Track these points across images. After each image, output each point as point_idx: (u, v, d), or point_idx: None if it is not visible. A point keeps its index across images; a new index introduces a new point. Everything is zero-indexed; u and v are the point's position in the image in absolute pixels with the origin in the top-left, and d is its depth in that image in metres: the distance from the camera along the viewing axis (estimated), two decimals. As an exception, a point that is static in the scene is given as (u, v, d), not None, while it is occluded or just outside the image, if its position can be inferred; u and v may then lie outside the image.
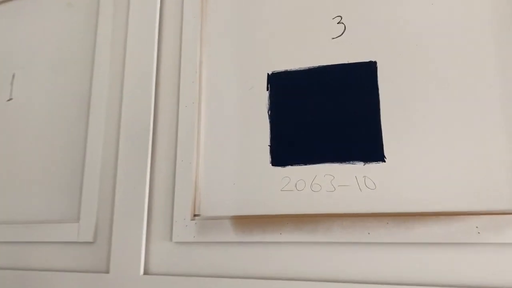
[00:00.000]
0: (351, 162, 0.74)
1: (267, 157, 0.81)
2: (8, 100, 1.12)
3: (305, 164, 0.78)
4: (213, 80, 0.89)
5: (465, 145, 0.68)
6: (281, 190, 0.78)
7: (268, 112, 0.83)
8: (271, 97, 0.83)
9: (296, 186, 0.78)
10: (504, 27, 0.70)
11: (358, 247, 0.70)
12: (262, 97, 0.84)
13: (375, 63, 0.77)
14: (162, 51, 0.95)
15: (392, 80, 0.75)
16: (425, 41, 0.75)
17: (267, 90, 0.84)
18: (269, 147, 0.81)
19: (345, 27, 0.80)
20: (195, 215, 0.83)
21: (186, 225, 0.82)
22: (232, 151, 0.84)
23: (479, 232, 0.63)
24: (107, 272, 0.87)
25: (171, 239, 0.83)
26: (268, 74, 0.85)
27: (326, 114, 0.78)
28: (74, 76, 1.04)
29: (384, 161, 0.72)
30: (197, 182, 0.85)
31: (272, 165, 0.80)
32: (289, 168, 0.79)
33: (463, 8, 0.74)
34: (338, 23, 0.81)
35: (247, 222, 0.78)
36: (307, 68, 0.82)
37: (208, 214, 0.82)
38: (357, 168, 0.74)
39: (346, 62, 0.79)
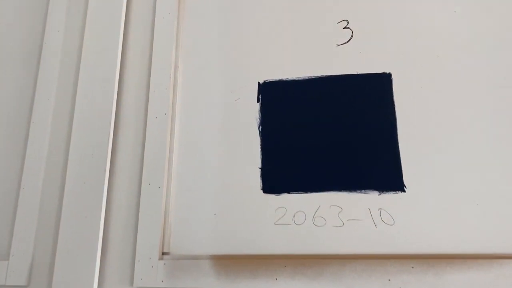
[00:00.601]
0: (363, 191, 0.62)
1: (258, 183, 0.66)
2: None
3: (305, 192, 0.64)
4: (191, 87, 0.74)
5: (504, 173, 0.58)
6: (275, 224, 0.64)
7: (259, 128, 0.69)
8: (262, 110, 0.70)
9: (294, 219, 0.63)
10: (534, 42, 0.62)
11: (377, 297, 0.57)
12: (251, 110, 0.70)
13: (389, 75, 0.66)
14: (128, 51, 0.79)
15: (410, 95, 0.64)
16: (447, 52, 0.65)
17: (258, 102, 0.70)
18: (260, 169, 0.67)
19: (352, 32, 0.69)
20: (163, 253, 0.66)
21: (152, 266, 0.65)
22: (213, 174, 0.69)
23: (526, 281, 0.52)
24: (43, 326, 0.67)
25: (131, 283, 0.65)
26: (259, 83, 0.71)
27: (330, 132, 0.65)
28: (14, 81, 0.85)
29: (404, 191, 0.60)
30: (168, 212, 0.68)
31: (264, 192, 0.66)
32: (285, 196, 0.65)
33: (488, 17, 0.65)
34: (344, 28, 0.70)
35: (231, 264, 0.62)
36: (307, 78, 0.69)
37: (181, 252, 0.66)
38: (370, 199, 0.61)
39: (354, 73, 0.67)
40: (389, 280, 0.56)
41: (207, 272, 0.62)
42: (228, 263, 0.62)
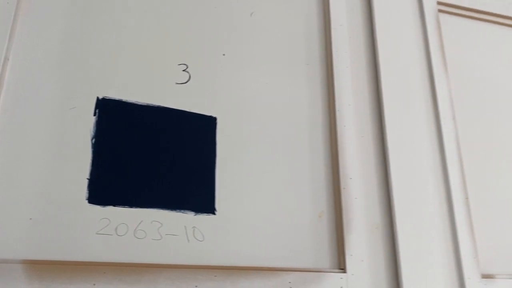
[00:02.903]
0: (182, 210, 0.72)
1: (84, 192, 0.68)
2: None
3: (131, 206, 0.70)
4: (21, 84, 0.71)
5: (283, 206, 0.78)
6: (97, 233, 0.67)
7: (92, 141, 0.72)
8: (98, 124, 0.73)
9: (116, 230, 0.68)
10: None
11: (186, 300, 0.66)
12: (86, 122, 0.72)
13: (215, 118, 0.80)
14: None
15: (230, 137, 0.79)
16: (260, 102, 0.83)
17: (94, 115, 0.73)
18: (87, 180, 0.69)
19: (190, 76, 0.81)
20: (-39, 256, 0.60)
21: None
22: (33, 176, 0.67)
23: (291, 287, 0.71)
24: None
25: None
26: (98, 98, 0.74)
27: (160, 157, 0.74)
28: None
29: (215, 214, 0.73)
30: (-28, 211, 0.62)
31: (89, 202, 0.68)
32: (110, 208, 0.69)
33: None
34: (183, 70, 0.81)
35: (46, 269, 0.62)
36: (146, 104, 0.77)
37: (-15, 255, 0.61)
38: (187, 218, 0.72)
39: (187, 110, 0.78)
40: (196, 286, 0.67)
41: (19, 276, 0.60)
42: (42, 268, 0.62)
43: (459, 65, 1.02)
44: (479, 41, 1.07)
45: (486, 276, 0.82)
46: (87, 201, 0.68)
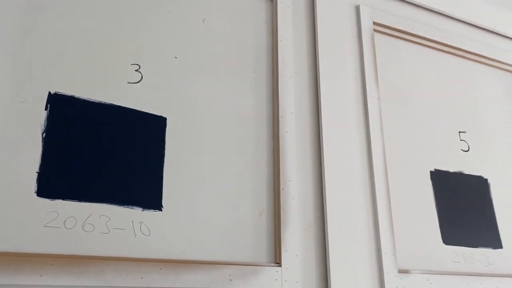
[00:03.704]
0: (130, 206, 0.75)
1: (33, 185, 0.70)
2: None
3: (80, 200, 0.72)
4: (-31, 75, 0.71)
5: (227, 205, 0.83)
6: (45, 226, 0.68)
7: (42, 135, 0.73)
8: (49, 119, 0.74)
9: (65, 223, 0.70)
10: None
11: (131, 291, 0.70)
12: (37, 116, 0.73)
13: (165, 118, 0.83)
14: None
15: (178, 137, 0.83)
16: (208, 105, 0.88)
17: (46, 109, 0.74)
18: (37, 173, 0.70)
19: (142, 76, 0.84)
20: None
21: None
22: (-19, 169, 0.67)
23: (231, 280, 0.77)
24: None
25: None
26: (50, 92, 0.75)
27: (110, 153, 0.77)
28: None
29: (161, 210, 0.77)
30: None
31: (38, 195, 0.69)
32: (59, 202, 0.70)
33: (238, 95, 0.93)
34: (136, 70, 0.84)
35: (-7, 260, 0.63)
36: (98, 101, 0.78)
37: None
38: (135, 213, 0.75)
39: (138, 109, 0.81)
40: (142, 278, 0.70)
41: (-37, 268, 0.60)
42: (-12, 259, 0.62)
43: (389, 81, 1.13)
44: (407, 59, 1.19)
45: (402, 271, 0.92)
46: (35, 194, 0.70)
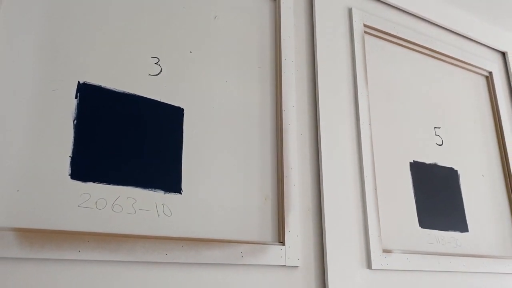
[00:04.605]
0: (153, 189, 0.82)
1: (67, 169, 0.75)
2: None
3: (109, 183, 0.78)
4: (4, 64, 0.74)
5: (237, 190, 0.91)
6: (79, 206, 0.75)
7: (73, 122, 0.78)
8: (79, 107, 0.79)
9: (96, 204, 0.76)
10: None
11: (158, 266, 0.77)
12: (68, 104, 0.78)
13: (182, 109, 0.90)
14: None
15: (194, 127, 0.90)
16: (220, 98, 0.95)
17: (76, 98, 0.79)
18: (70, 158, 0.76)
19: (161, 69, 0.90)
20: (-48, 223, 0.64)
21: None
22: (19, 152, 0.72)
23: (242, 256, 0.85)
24: None
25: None
26: (79, 82, 0.80)
27: (135, 140, 0.83)
28: None
29: (181, 193, 0.85)
30: (-39, 181, 0.66)
31: (72, 178, 0.75)
32: (90, 184, 0.77)
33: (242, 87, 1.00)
34: (155, 63, 0.89)
35: (36, 236, 0.68)
36: (122, 91, 0.84)
37: (-25, 223, 0.66)
38: (157, 196, 0.82)
39: (158, 99, 0.88)
40: (166, 254, 0.78)
41: (11, 242, 0.66)
42: (32, 235, 0.68)
43: (376, 79, 1.24)
44: (393, 60, 1.30)
45: (386, 251, 1.04)
46: (69, 176, 0.75)
